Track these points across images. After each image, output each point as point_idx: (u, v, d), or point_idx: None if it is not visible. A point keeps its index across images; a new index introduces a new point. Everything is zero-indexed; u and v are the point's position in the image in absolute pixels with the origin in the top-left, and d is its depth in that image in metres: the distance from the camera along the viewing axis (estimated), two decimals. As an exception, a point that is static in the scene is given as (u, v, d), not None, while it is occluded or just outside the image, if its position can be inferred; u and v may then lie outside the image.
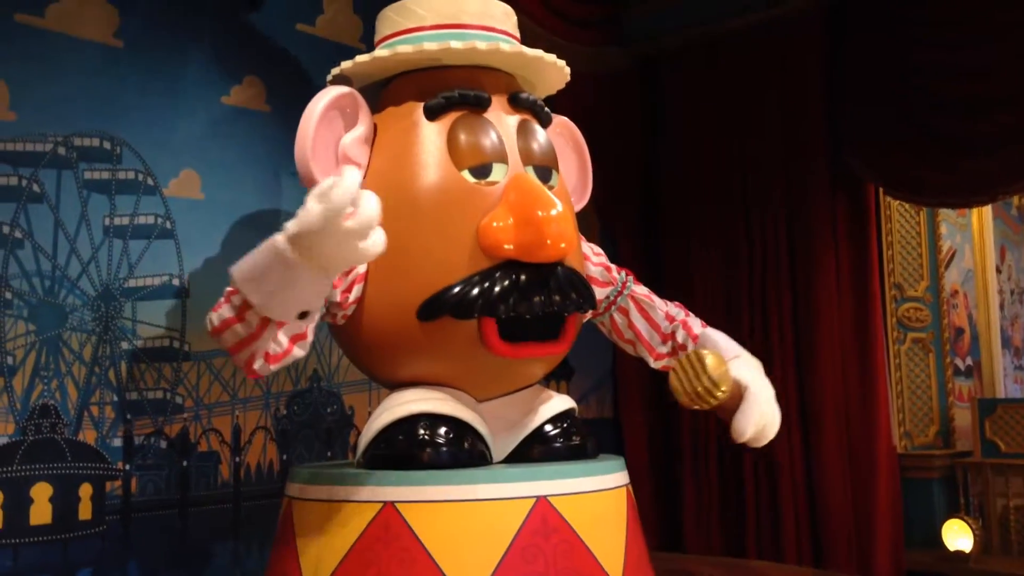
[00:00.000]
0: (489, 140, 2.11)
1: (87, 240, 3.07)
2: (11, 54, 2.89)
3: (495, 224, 2.00)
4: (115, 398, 3.07)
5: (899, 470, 4.76)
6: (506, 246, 1.98)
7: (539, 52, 2.25)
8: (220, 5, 3.49)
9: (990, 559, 4.72)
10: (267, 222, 3.56)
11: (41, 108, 2.95)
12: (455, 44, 2.12)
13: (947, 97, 4.37)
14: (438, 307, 1.99)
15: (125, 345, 3.12)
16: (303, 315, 1.81)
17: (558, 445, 2.22)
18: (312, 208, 1.59)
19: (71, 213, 3.03)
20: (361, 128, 2.14)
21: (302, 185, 2.07)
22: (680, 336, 2.44)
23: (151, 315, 3.20)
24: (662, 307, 2.56)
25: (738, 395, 2.16)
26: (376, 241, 1.67)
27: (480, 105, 2.15)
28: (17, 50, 2.91)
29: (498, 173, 2.09)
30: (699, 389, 2.05)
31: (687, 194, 5.12)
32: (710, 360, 2.06)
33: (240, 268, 1.74)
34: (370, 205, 1.62)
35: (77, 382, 2.98)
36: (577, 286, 2.11)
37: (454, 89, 2.13)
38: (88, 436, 2.98)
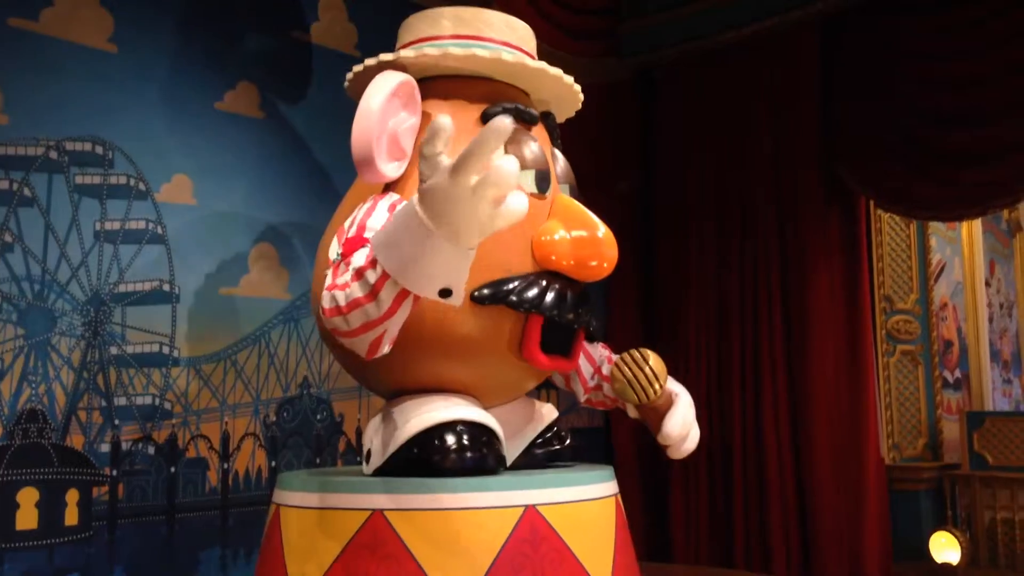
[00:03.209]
0: (541, 155, 2.17)
1: (77, 244, 3.06)
2: (4, 58, 2.89)
3: (552, 237, 2.04)
4: (103, 403, 3.06)
5: (887, 482, 4.77)
6: (564, 261, 2.03)
7: (570, 78, 2.33)
8: (214, 11, 3.50)
9: (977, 572, 4.74)
10: (259, 228, 3.58)
11: (33, 112, 2.95)
12: (507, 56, 2.18)
13: (940, 110, 4.40)
14: (496, 294, 1.99)
15: (114, 350, 3.11)
16: (444, 294, 1.66)
17: (540, 452, 2.26)
18: (440, 162, 1.48)
19: (62, 217, 3.03)
20: (415, 119, 2.13)
21: (358, 167, 2.02)
22: (607, 369, 2.43)
23: (141, 320, 3.19)
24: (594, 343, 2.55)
25: (668, 402, 2.27)
26: (514, 204, 1.52)
27: (532, 122, 2.22)
28: (10, 54, 2.91)
29: (544, 186, 2.13)
30: (640, 379, 2.20)
31: (681, 203, 5.14)
32: (652, 356, 2.24)
33: (378, 233, 1.68)
34: (508, 165, 1.46)
35: (65, 387, 2.98)
36: (594, 307, 2.17)
37: (512, 103, 2.19)
38: (75, 441, 2.97)
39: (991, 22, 4.22)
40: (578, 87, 2.39)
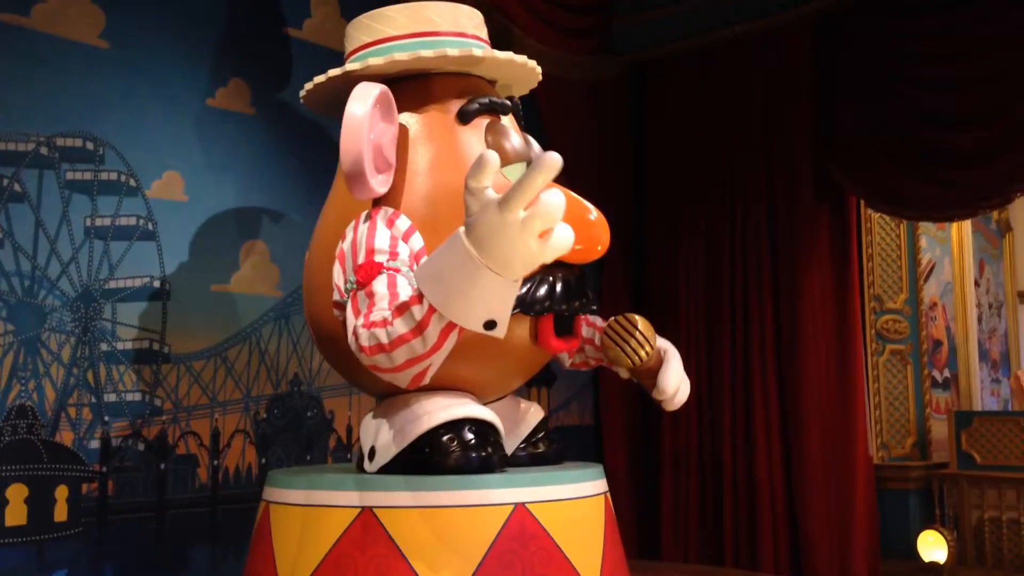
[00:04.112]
0: (518, 144, 2.19)
1: (68, 240, 3.05)
2: (-5, 53, 2.88)
3: None
4: (93, 400, 3.05)
5: (876, 481, 4.80)
6: None
7: (532, 62, 2.35)
8: (206, 7, 3.49)
9: (964, 570, 4.77)
10: (251, 225, 3.57)
11: (24, 107, 2.94)
12: (477, 52, 2.20)
13: (932, 110, 4.42)
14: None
15: (104, 346, 3.11)
16: (489, 326, 1.67)
17: (524, 454, 2.27)
18: (487, 196, 1.49)
19: (52, 213, 3.02)
20: (394, 128, 2.14)
21: (350, 184, 2.01)
22: (586, 331, 2.44)
23: (131, 317, 3.18)
24: None
25: (659, 360, 2.33)
26: (560, 237, 1.53)
27: (506, 112, 2.25)
28: (1, 49, 2.89)
29: None
30: (632, 343, 2.27)
31: (672, 201, 5.15)
32: (640, 320, 2.30)
33: (423, 267, 1.67)
34: (554, 199, 1.47)
35: (55, 383, 2.97)
36: (592, 287, 2.20)
37: (486, 97, 2.22)
38: (65, 437, 2.96)
39: (983, 24, 4.24)
40: (539, 68, 2.40)
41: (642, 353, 2.26)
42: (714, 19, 4.99)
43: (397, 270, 1.90)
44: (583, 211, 2.03)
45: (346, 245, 2.01)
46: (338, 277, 2.01)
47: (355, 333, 1.81)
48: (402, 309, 1.71)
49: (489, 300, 1.62)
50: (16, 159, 2.93)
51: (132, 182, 3.22)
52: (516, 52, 2.33)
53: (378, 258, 1.92)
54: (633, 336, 2.27)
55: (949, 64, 4.36)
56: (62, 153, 3.04)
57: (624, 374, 2.40)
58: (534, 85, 2.52)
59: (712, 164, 5.02)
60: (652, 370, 2.32)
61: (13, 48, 2.92)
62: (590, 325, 2.40)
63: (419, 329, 1.69)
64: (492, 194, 1.51)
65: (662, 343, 2.35)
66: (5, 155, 2.90)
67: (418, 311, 1.68)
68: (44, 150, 3.00)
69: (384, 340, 1.73)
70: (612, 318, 2.32)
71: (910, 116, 4.47)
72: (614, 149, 5.17)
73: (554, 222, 1.50)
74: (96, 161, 3.13)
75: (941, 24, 4.36)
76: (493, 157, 1.50)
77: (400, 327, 1.71)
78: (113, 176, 3.17)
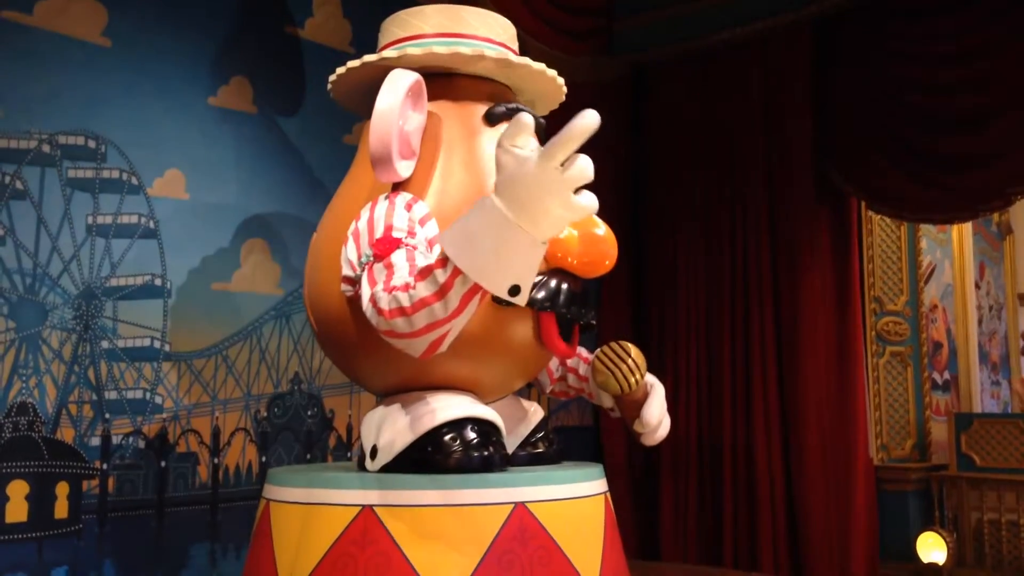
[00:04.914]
0: None
1: (69, 238, 3.06)
2: (-2, 50, 2.89)
3: (559, 236, 2.02)
4: (94, 397, 3.06)
5: (875, 482, 4.80)
6: (571, 259, 2.05)
7: (561, 79, 2.38)
8: (208, 5, 3.49)
9: (964, 572, 4.77)
10: (252, 223, 3.58)
11: (26, 105, 2.95)
12: (513, 59, 2.23)
13: (932, 113, 4.41)
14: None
15: (105, 344, 3.11)
16: (514, 291, 1.67)
17: (523, 453, 2.26)
18: (525, 153, 1.53)
19: (54, 211, 3.02)
20: (422, 117, 2.16)
21: (375, 166, 2.02)
22: (571, 361, 2.47)
23: (132, 314, 3.19)
24: None
25: (644, 392, 2.36)
26: (590, 198, 1.57)
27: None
28: (4, 47, 2.90)
29: None
30: (623, 369, 2.29)
31: (672, 203, 5.15)
32: (633, 348, 2.33)
33: (450, 231, 1.67)
34: (586, 159, 1.52)
35: (56, 380, 2.97)
36: (592, 301, 2.21)
37: (514, 104, 2.25)
38: (66, 434, 2.96)
39: (983, 26, 4.24)
40: (564, 88, 2.42)
41: (632, 380, 2.28)
42: (714, 21, 4.99)
43: (415, 247, 1.92)
44: (591, 225, 2.05)
45: (362, 224, 2.02)
46: (351, 253, 2.01)
47: (373, 298, 1.82)
48: (425, 273, 1.72)
49: (517, 262, 1.64)
50: (18, 157, 2.94)
51: (134, 180, 3.22)
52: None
53: (396, 234, 1.94)
54: (625, 363, 2.29)
55: (948, 66, 4.36)
56: (64, 151, 3.05)
57: (608, 403, 2.41)
58: (555, 106, 2.52)
59: (712, 166, 5.02)
60: (637, 402, 2.33)
61: (15, 46, 2.93)
62: (577, 355, 2.41)
63: (442, 292, 1.70)
64: (529, 152, 1.53)
65: (648, 377, 2.37)
66: (7, 153, 2.91)
67: (441, 274, 1.69)
68: (46, 148, 3.00)
69: (406, 303, 1.74)
70: (606, 345, 2.34)
71: (909, 118, 4.47)
72: (614, 150, 5.17)
73: (588, 179, 1.53)
74: (98, 159, 3.14)
75: (940, 26, 4.36)
76: (528, 118, 1.53)
77: (422, 290, 1.71)
78: (115, 174, 3.18)
